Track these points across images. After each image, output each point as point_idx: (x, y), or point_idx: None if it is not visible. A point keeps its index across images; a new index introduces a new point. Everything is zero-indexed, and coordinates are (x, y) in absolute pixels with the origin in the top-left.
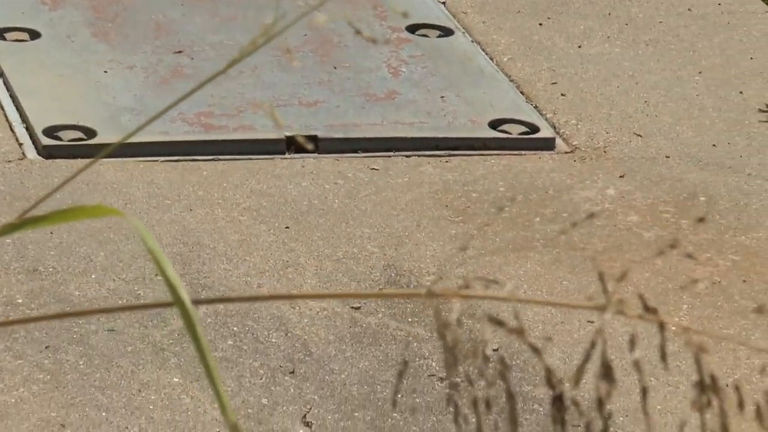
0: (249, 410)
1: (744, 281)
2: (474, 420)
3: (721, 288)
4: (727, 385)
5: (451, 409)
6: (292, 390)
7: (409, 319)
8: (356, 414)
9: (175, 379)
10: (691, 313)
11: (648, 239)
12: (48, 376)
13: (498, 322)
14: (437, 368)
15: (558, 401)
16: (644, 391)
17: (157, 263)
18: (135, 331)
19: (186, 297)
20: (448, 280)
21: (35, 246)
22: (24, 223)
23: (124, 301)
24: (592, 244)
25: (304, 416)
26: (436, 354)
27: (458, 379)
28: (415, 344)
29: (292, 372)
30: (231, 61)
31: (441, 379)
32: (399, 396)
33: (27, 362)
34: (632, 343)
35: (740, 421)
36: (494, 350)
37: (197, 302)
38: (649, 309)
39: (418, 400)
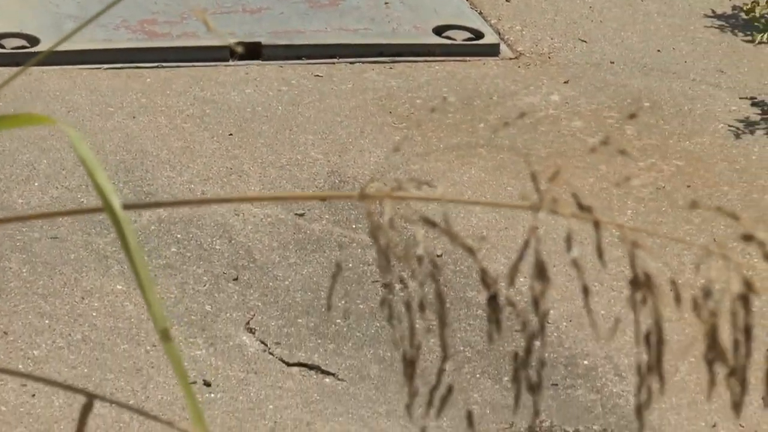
0: (192, 317)
1: (688, 186)
2: (408, 322)
3: (666, 193)
4: (671, 290)
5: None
6: (235, 297)
7: (353, 226)
8: (300, 320)
9: (119, 287)
10: (636, 218)
11: (592, 145)
12: None
13: (431, 223)
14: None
15: (493, 301)
16: (585, 291)
17: (87, 170)
18: (78, 238)
19: (116, 201)
20: (389, 186)
21: None
22: None
23: (68, 208)
24: (536, 150)
25: (248, 323)
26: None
27: (392, 281)
28: (359, 250)
29: (236, 279)
30: None
31: (385, 285)
32: (342, 302)
33: None
34: (568, 241)
35: (684, 325)
36: (438, 256)
37: (136, 206)
38: (583, 207)
39: (361, 307)
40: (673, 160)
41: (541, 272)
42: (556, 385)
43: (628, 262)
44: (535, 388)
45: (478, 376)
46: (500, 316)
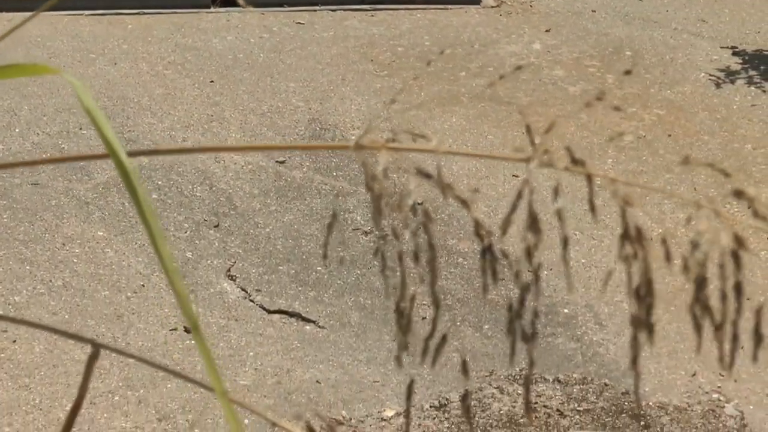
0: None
1: (669, 135)
2: (398, 271)
3: (647, 142)
4: (651, 239)
5: (376, 262)
6: (216, 244)
7: (334, 173)
8: (281, 268)
9: (99, 233)
10: (617, 167)
11: (573, 93)
12: None
13: (425, 175)
14: (362, 222)
15: (487, 253)
16: (565, 241)
17: (94, 122)
18: (59, 185)
19: (125, 156)
20: (375, 134)
21: None
22: None
23: (48, 154)
24: (517, 99)
25: (229, 270)
26: (360, 208)
27: (385, 232)
28: (340, 198)
29: (217, 226)
30: None
31: (365, 233)
32: (322, 250)
33: None
34: (555, 193)
35: (666, 273)
36: (418, 204)
37: (140, 153)
38: (576, 161)
39: (342, 254)
40: (654, 109)
41: (534, 224)
42: (536, 333)
43: (610, 211)
44: (515, 336)
45: (458, 324)
46: (496, 267)
